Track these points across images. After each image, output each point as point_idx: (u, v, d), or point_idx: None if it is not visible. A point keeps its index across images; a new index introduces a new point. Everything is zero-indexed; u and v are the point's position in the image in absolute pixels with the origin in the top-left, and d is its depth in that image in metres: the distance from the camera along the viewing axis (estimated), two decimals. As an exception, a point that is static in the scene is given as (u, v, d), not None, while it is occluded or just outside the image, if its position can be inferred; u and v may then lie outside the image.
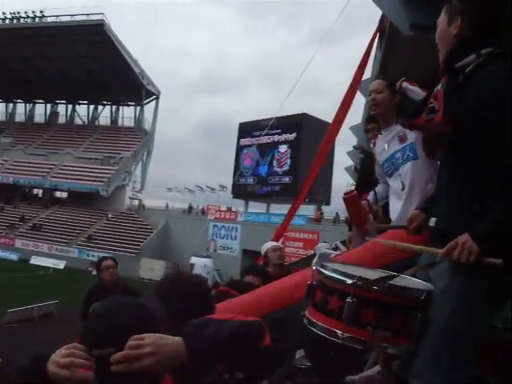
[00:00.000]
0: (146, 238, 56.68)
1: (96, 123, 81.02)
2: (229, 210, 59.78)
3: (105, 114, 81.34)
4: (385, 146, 4.25)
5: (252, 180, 60.75)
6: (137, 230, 59.64)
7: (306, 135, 52.65)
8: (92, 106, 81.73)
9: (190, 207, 62.31)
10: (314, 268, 2.66)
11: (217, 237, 54.17)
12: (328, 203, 56.05)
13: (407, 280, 2.59)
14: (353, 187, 4.35)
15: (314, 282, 2.57)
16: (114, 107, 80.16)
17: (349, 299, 2.33)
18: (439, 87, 2.47)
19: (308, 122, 54.35)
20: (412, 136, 3.91)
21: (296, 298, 3.02)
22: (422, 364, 2.42)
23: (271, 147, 59.32)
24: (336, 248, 7.00)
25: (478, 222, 2.28)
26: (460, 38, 2.51)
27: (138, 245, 54.28)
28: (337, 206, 48.64)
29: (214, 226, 54.72)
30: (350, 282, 2.37)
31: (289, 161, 57.22)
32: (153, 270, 45.71)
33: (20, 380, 1.76)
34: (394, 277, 2.53)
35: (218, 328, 1.95)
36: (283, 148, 58.52)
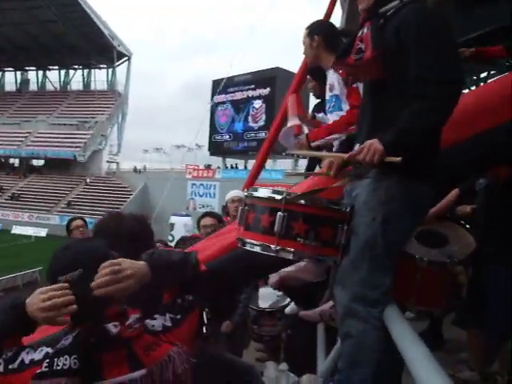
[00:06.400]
0: (125, 201, 56.73)
1: (68, 88, 79.89)
2: (207, 167, 59.83)
3: (77, 79, 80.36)
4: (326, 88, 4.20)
5: (228, 137, 60.69)
6: (116, 193, 59.70)
7: (280, 89, 52.30)
8: (63, 71, 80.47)
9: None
10: (245, 194, 2.84)
11: (196, 195, 54.40)
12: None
13: None
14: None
15: (246, 207, 2.76)
16: (85, 71, 78.96)
17: (279, 213, 2.53)
18: (365, 30, 2.72)
19: (282, 75, 53.89)
20: (337, 88, 3.92)
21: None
22: (344, 272, 2.65)
23: (246, 103, 59.13)
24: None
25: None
26: None
27: (119, 207, 54.15)
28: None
29: (193, 184, 54.90)
30: (279, 197, 2.57)
31: (264, 116, 57.00)
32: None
33: (8, 333, 1.91)
34: (320, 190, 2.76)
35: (168, 254, 2.29)
36: (258, 103, 58.30)
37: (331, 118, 4.08)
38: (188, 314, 2.19)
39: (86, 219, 7.53)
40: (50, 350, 1.92)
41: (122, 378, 1.89)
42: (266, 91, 57.18)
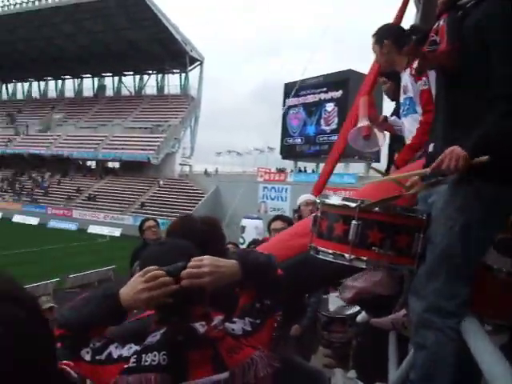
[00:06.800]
0: (197, 203, 57.32)
1: (143, 93, 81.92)
2: (281, 171, 59.91)
3: (151, 84, 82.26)
4: (401, 91, 4.13)
5: (300, 140, 60.54)
6: (188, 196, 60.48)
7: (353, 92, 51.30)
8: (138, 77, 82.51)
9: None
10: (318, 200, 2.80)
11: (267, 198, 54.44)
12: (378, 160, 54.73)
13: None
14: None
15: (319, 214, 2.71)
16: (159, 76, 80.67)
17: (354, 222, 2.47)
18: (441, 22, 2.61)
19: (354, 78, 53.02)
20: (411, 90, 3.84)
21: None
22: (419, 281, 2.56)
23: (318, 106, 58.84)
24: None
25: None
26: None
27: (190, 210, 54.80)
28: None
29: (264, 187, 55.03)
30: (353, 205, 2.50)
31: (336, 119, 56.37)
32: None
33: (98, 323, 1.94)
34: (396, 198, 2.66)
35: (257, 255, 2.26)
36: (330, 106, 57.90)
37: (405, 121, 4.01)
38: (267, 319, 2.15)
39: (158, 220, 7.67)
40: (138, 348, 1.93)
41: (206, 380, 1.90)
42: (338, 94, 56.63)
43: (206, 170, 67.08)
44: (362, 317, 4.66)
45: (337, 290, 4.72)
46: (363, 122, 4.24)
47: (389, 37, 3.88)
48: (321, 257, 2.64)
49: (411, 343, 2.80)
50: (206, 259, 2.00)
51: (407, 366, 3.25)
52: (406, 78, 3.88)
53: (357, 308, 4.90)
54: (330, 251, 2.59)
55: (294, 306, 4.93)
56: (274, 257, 2.30)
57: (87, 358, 1.89)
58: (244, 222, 30.28)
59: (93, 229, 53.35)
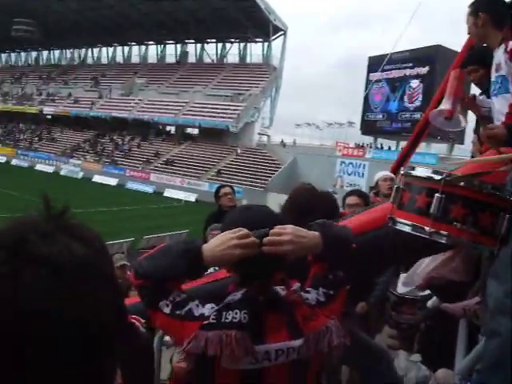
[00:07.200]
0: (273, 174, 57.49)
1: (224, 61, 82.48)
2: (359, 146, 59.18)
3: (233, 52, 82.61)
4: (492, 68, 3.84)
5: (381, 116, 59.46)
6: (265, 165, 60.75)
7: (440, 69, 49.85)
8: (220, 45, 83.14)
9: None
10: (402, 172, 2.73)
11: (344, 173, 54.02)
12: (462, 142, 52.88)
13: None
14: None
15: (401, 185, 2.63)
16: (241, 44, 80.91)
17: (437, 195, 2.38)
18: None
19: (443, 54, 51.31)
20: (505, 68, 3.53)
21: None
22: (500, 264, 2.40)
23: (402, 82, 57.48)
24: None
25: None
26: None
27: (266, 180, 55.11)
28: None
29: (342, 162, 54.57)
30: (438, 177, 2.41)
31: (420, 96, 55.00)
32: (279, 204, 46.17)
33: (176, 276, 2.00)
34: (484, 174, 2.52)
35: (337, 228, 2.27)
36: (415, 83, 56.48)
37: (496, 101, 3.72)
38: (340, 291, 2.16)
39: (234, 188, 7.72)
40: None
41: (282, 345, 1.93)
42: (424, 70, 55.10)
43: (282, 141, 66.99)
44: (432, 301, 4.57)
45: (407, 271, 4.63)
46: (446, 105, 4.00)
47: (486, 9, 3.59)
48: (398, 227, 2.59)
49: (482, 333, 2.77)
50: (289, 228, 2.03)
51: (475, 356, 3.21)
52: (499, 54, 3.60)
53: (427, 291, 4.76)
54: (409, 223, 2.54)
55: (364, 282, 4.79)
56: (351, 230, 2.29)
57: (166, 310, 1.93)
58: (319, 196, 30.09)
59: (169, 192, 54.42)
